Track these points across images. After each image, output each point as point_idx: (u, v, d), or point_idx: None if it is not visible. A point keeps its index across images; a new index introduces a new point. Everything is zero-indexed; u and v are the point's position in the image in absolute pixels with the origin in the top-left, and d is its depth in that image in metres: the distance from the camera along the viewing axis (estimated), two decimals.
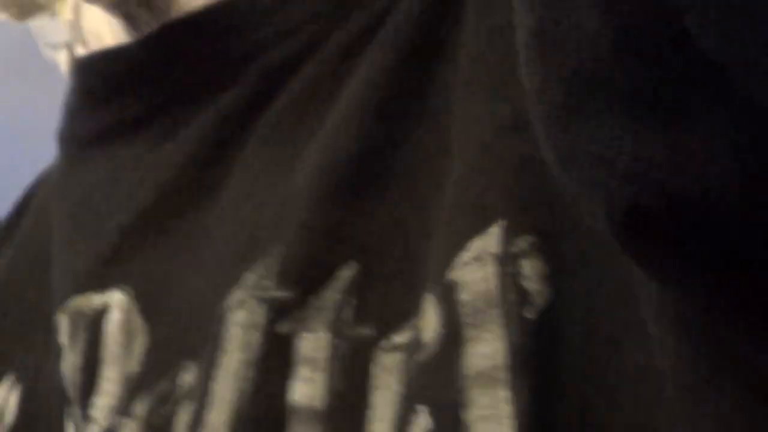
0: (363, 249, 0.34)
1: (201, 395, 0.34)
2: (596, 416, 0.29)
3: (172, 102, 0.41)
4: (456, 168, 0.34)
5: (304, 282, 0.34)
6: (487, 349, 0.30)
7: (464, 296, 0.31)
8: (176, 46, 0.41)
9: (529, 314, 0.30)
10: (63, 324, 0.39)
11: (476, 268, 0.31)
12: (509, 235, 0.31)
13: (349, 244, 0.35)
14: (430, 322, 0.32)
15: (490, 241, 0.31)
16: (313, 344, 0.33)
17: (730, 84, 0.22)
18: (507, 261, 0.31)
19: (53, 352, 0.40)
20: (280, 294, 0.34)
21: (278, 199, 0.37)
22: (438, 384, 0.31)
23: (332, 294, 0.34)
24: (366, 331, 0.33)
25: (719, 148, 0.23)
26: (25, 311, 0.43)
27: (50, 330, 0.40)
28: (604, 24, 0.23)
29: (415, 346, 0.32)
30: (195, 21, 0.40)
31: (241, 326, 0.34)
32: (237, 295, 0.35)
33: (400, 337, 0.32)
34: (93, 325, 0.38)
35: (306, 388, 0.33)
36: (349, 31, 0.38)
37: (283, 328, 0.34)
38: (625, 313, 0.30)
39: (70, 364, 0.38)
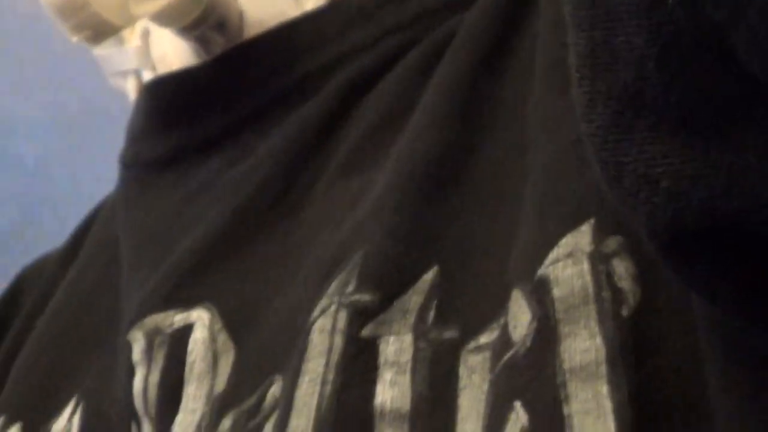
0: (445, 251, 0.34)
1: (285, 403, 0.33)
2: (699, 407, 0.29)
3: (246, 121, 0.41)
4: (538, 166, 0.34)
5: (386, 286, 0.34)
6: (585, 345, 0.30)
7: (557, 292, 0.31)
8: (251, 64, 0.41)
9: (626, 312, 0.30)
10: (137, 342, 0.39)
11: (569, 264, 0.31)
12: (600, 234, 0.31)
13: (431, 246, 0.34)
14: (519, 319, 0.31)
15: (582, 238, 0.31)
16: (396, 347, 0.33)
17: None
18: (600, 259, 0.31)
19: (121, 371, 0.39)
20: (362, 298, 0.34)
21: (360, 211, 0.36)
22: (534, 379, 0.30)
23: (415, 297, 0.34)
24: (450, 333, 0.33)
25: (765, 168, 0.23)
26: (88, 334, 0.43)
27: (116, 351, 0.40)
28: (650, 43, 0.23)
29: (502, 344, 0.32)
30: (270, 38, 0.41)
31: (323, 332, 0.34)
32: (321, 304, 0.35)
33: (486, 338, 0.32)
34: (174, 343, 0.38)
35: (391, 392, 0.32)
36: (425, 43, 0.39)
37: (366, 332, 0.33)
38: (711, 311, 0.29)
39: (145, 381, 0.38)
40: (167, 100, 0.43)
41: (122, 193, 0.45)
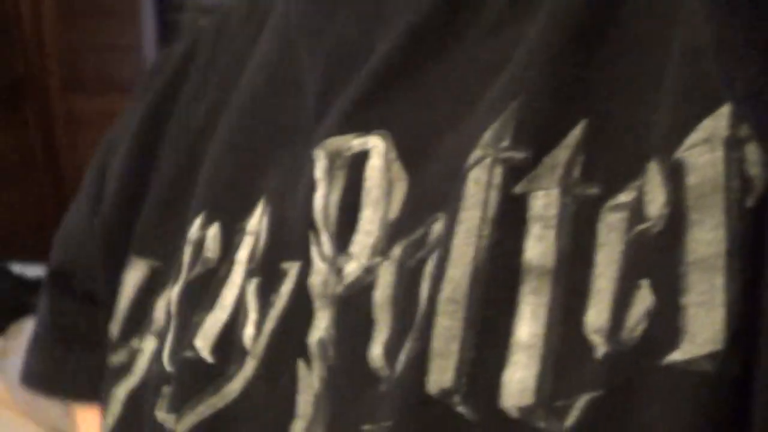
0: (593, 107, 0.34)
1: (443, 249, 0.35)
2: None
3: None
4: (680, 43, 0.33)
5: (538, 141, 0.35)
6: (709, 236, 0.30)
7: (692, 179, 0.31)
8: None
9: (750, 202, 0.30)
10: (320, 160, 0.40)
11: (706, 150, 0.31)
12: (736, 119, 0.31)
13: (582, 102, 0.35)
14: (655, 194, 0.32)
15: (720, 122, 0.31)
16: (544, 202, 0.34)
17: None
18: (734, 145, 0.31)
19: (303, 184, 0.40)
20: (517, 155, 0.35)
21: (516, 57, 0.36)
22: (661, 264, 0.31)
23: (563, 152, 0.34)
24: (593, 189, 0.33)
25: None
26: (275, 133, 0.44)
27: (298, 156, 0.41)
28: None
29: (638, 210, 0.32)
30: None
31: (479, 184, 0.35)
32: (477, 153, 0.35)
33: (625, 197, 0.33)
34: (353, 166, 0.39)
35: (538, 247, 0.33)
36: None
37: (518, 188, 0.34)
38: None
39: (325, 198, 0.39)
40: None
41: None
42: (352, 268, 0.37)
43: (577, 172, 0.34)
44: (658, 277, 0.31)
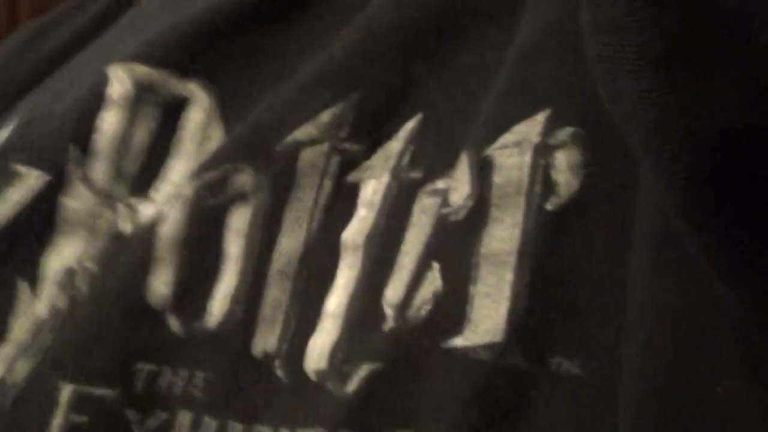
0: (428, 101, 0.36)
1: (273, 219, 0.36)
2: (583, 310, 0.31)
3: None
4: (517, 45, 0.35)
5: (375, 134, 0.36)
6: (504, 233, 0.32)
7: (497, 178, 0.33)
8: None
9: (551, 205, 0.32)
10: (120, 82, 0.39)
11: (515, 153, 0.33)
12: (552, 125, 0.33)
13: (418, 96, 0.36)
14: (460, 184, 0.33)
15: (534, 128, 0.33)
16: (373, 188, 0.35)
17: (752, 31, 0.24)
18: (543, 151, 0.33)
19: (80, 92, 0.39)
20: (353, 147, 0.36)
21: (362, 41, 0.37)
22: (455, 251, 0.32)
23: (397, 144, 0.36)
24: (415, 173, 0.35)
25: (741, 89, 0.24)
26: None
27: (86, 64, 0.40)
28: None
29: (445, 197, 0.34)
30: None
31: (315, 168, 0.36)
32: (310, 130, 0.36)
33: (441, 184, 0.34)
34: (167, 111, 0.38)
35: (358, 225, 0.35)
36: None
37: (352, 177, 0.36)
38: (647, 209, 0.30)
39: (122, 130, 0.38)
40: None
41: None
42: (149, 210, 0.37)
43: (406, 161, 0.35)
44: (450, 263, 0.32)
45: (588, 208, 0.32)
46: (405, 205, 0.34)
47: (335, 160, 0.36)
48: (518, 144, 0.33)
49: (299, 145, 0.36)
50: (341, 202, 0.35)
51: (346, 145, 0.36)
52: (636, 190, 0.31)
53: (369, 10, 0.38)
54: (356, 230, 0.35)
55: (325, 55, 0.38)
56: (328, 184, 0.36)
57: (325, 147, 0.36)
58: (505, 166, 0.33)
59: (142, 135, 0.38)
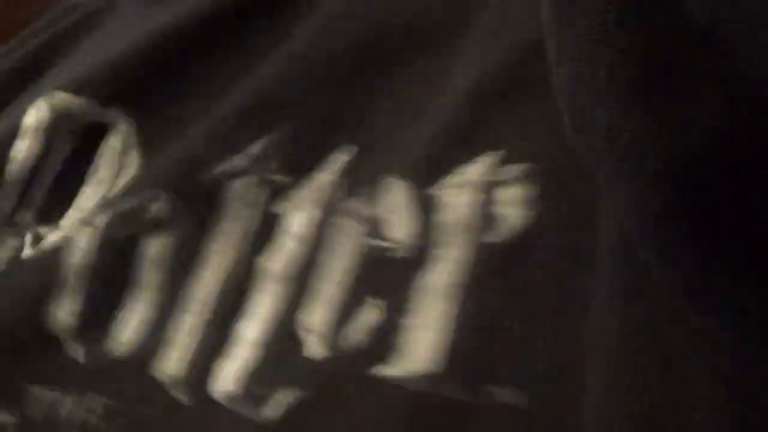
0: (361, 132, 0.35)
1: (194, 249, 0.35)
2: (521, 346, 0.30)
3: None
4: (462, 83, 0.34)
5: (304, 167, 0.35)
6: (447, 268, 0.31)
7: (443, 217, 0.32)
8: None
9: (495, 239, 0.31)
10: (35, 109, 0.38)
11: (462, 192, 0.32)
12: (501, 165, 0.32)
13: (351, 127, 0.35)
14: (400, 219, 0.33)
15: (481, 169, 0.32)
16: (299, 220, 0.34)
17: (722, 54, 0.23)
18: (491, 189, 0.32)
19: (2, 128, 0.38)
20: (282, 179, 0.35)
21: (291, 71, 0.37)
22: (393, 288, 0.31)
23: (327, 176, 0.35)
24: (343, 203, 0.34)
25: (710, 113, 0.23)
26: None
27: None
28: None
29: (375, 223, 0.33)
30: None
31: (244, 201, 0.35)
32: (239, 162, 0.36)
33: (364, 209, 0.33)
34: (85, 137, 0.37)
35: (279, 255, 0.34)
36: None
37: (278, 208, 0.35)
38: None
39: (34, 158, 0.37)
40: None
41: None
42: (52, 237, 0.36)
43: (336, 191, 0.35)
44: (389, 297, 0.31)
45: (536, 240, 0.31)
46: (330, 235, 0.34)
47: (264, 191, 0.35)
48: (466, 184, 0.32)
49: (227, 177, 0.35)
50: (266, 233, 0.34)
51: (276, 177, 0.35)
52: (592, 221, 0.30)
53: (299, 38, 0.38)
54: (278, 259, 0.34)
55: (254, 85, 0.37)
56: (255, 215, 0.35)
57: (254, 179, 0.35)
58: (450, 204, 0.32)
59: (55, 162, 0.38)
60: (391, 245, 0.32)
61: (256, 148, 0.36)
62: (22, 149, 0.37)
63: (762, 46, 0.22)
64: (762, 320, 0.24)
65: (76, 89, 0.38)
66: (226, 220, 0.35)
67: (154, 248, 0.35)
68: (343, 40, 0.37)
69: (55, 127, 0.38)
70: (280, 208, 0.35)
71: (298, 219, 0.34)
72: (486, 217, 0.31)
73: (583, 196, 0.30)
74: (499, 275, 0.30)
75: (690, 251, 0.25)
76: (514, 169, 0.32)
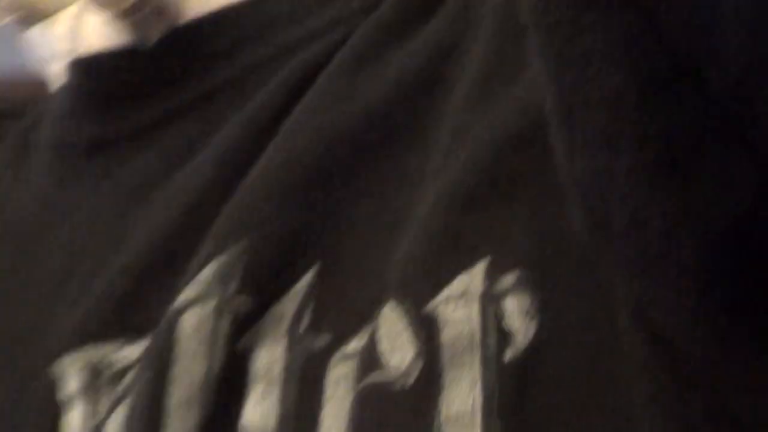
0: (325, 249, 0.33)
1: (155, 405, 0.31)
2: None
3: (188, 110, 0.38)
4: (439, 191, 0.33)
5: (266, 289, 0.33)
6: (464, 394, 0.29)
7: (445, 336, 0.30)
8: (193, 49, 0.39)
9: (509, 356, 0.30)
10: (71, 377, 0.35)
11: (460, 306, 0.31)
12: (495, 272, 0.31)
13: (315, 246, 0.33)
14: (396, 344, 0.31)
15: (476, 278, 0.31)
16: (269, 358, 0.32)
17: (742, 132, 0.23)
18: (491, 300, 0.31)
19: (43, 409, 0.35)
20: (244, 304, 0.32)
21: (242, 190, 0.34)
22: (411, 424, 0.30)
23: (291, 301, 0.33)
24: (321, 340, 0.32)
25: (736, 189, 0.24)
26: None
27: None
28: (629, 80, 0.23)
29: (370, 357, 0.31)
30: (214, 22, 0.39)
31: (200, 333, 0.32)
32: (190, 292, 0.32)
33: (355, 345, 0.32)
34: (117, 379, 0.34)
35: (258, 409, 0.31)
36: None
37: (242, 342, 0.32)
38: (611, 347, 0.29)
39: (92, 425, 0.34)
40: (102, 81, 0.40)
41: (50, 176, 0.41)
42: None
43: (305, 323, 0.32)
44: None
45: (548, 352, 0.30)
46: (315, 379, 0.31)
47: (226, 321, 0.32)
48: (462, 296, 0.31)
49: (178, 312, 0.32)
50: (235, 375, 0.32)
51: (237, 301, 0.32)
52: (600, 321, 0.29)
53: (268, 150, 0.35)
54: (260, 414, 0.31)
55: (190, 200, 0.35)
56: (218, 352, 0.32)
57: (210, 306, 0.32)
58: (451, 320, 0.30)
59: (116, 420, 0.34)
60: (392, 376, 0.30)
61: (208, 271, 0.32)
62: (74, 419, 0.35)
63: None
64: None
65: (103, 331, 0.35)
66: (184, 360, 0.31)
67: (116, 416, 0.33)
68: (298, 153, 0.34)
69: (95, 382, 0.35)
70: (244, 341, 0.32)
71: (265, 357, 0.32)
72: (496, 332, 0.30)
73: (587, 298, 0.29)
74: (520, 395, 0.29)
75: (732, 344, 0.25)
76: (509, 278, 0.30)
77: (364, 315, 0.32)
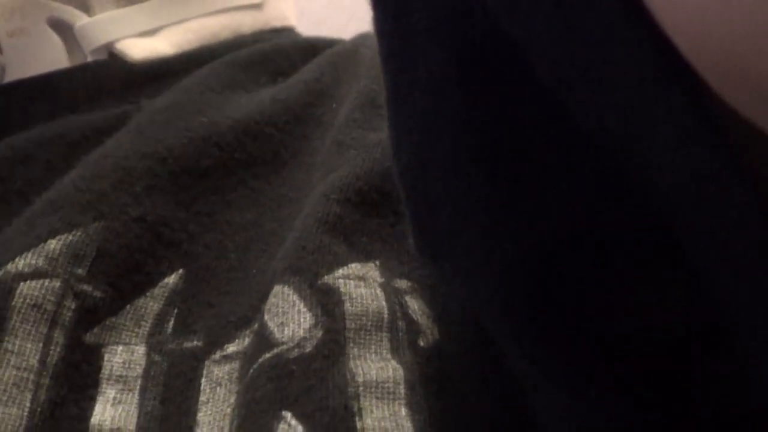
0: (192, 255, 0.31)
1: None
2: None
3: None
4: (326, 184, 0.32)
5: (122, 284, 0.30)
6: (380, 365, 0.27)
7: (350, 307, 0.28)
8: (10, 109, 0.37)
9: (422, 343, 0.28)
10: None
11: (362, 285, 0.29)
12: (389, 273, 0.29)
13: (179, 248, 0.31)
14: (290, 316, 0.28)
15: (371, 270, 0.29)
16: (125, 359, 0.29)
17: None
18: (393, 291, 0.29)
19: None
20: (94, 292, 0.29)
21: (104, 169, 0.32)
22: (314, 388, 0.27)
23: (152, 303, 0.30)
24: (192, 343, 0.29)
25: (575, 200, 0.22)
26: None
27: None
28: (450, 58, 0.22)
29: (258, 347, 0.28)
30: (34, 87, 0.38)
31: (38, 311, 0.28)
32: (32, 259, 0.29)
33: (236, 346, 0.29)
34: None
35: (113, 411, 0.28)
36: None
37: (91, 337, 0.29)
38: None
39: None
40: None
41: None
42: None
43: (170, 327, 0.30)
44: (311, 403, 0.26)
45: (451, 358, 0.28)
46: (185, 382, 0.28)
47: (71, 305, 0.29)
48: (362, 278, 0.29)
49: (16, 278, 0.28)
50: (79, 372, 0.28)
51: (85, 287, 0.29)
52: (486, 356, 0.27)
53: (115, 139, 0.33)
54: (114, 417, 0.28)
55: (62, 182, 0.32)
56: (60, 337, 0.28)
57: (55, 284, 0.29)
58: (355, 294, 0.28)
59: None
60: (284, 347, 0.27)
61: (54, 243, 0.29)
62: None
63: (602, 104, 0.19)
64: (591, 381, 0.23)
65: None
66: (14, 337, 0.28)
67: None
68: (161, 146, 0.32)
69: None
70: (93, 336, 0.29)
71: (119, 357, 0.29)
72: (405, 320, 0.28)
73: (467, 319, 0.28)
74: (440, 380, 0.27)
75: (533, 330, 0.23)
76: (404, 283, 0.29)
77: (240, 323, 0.29)
